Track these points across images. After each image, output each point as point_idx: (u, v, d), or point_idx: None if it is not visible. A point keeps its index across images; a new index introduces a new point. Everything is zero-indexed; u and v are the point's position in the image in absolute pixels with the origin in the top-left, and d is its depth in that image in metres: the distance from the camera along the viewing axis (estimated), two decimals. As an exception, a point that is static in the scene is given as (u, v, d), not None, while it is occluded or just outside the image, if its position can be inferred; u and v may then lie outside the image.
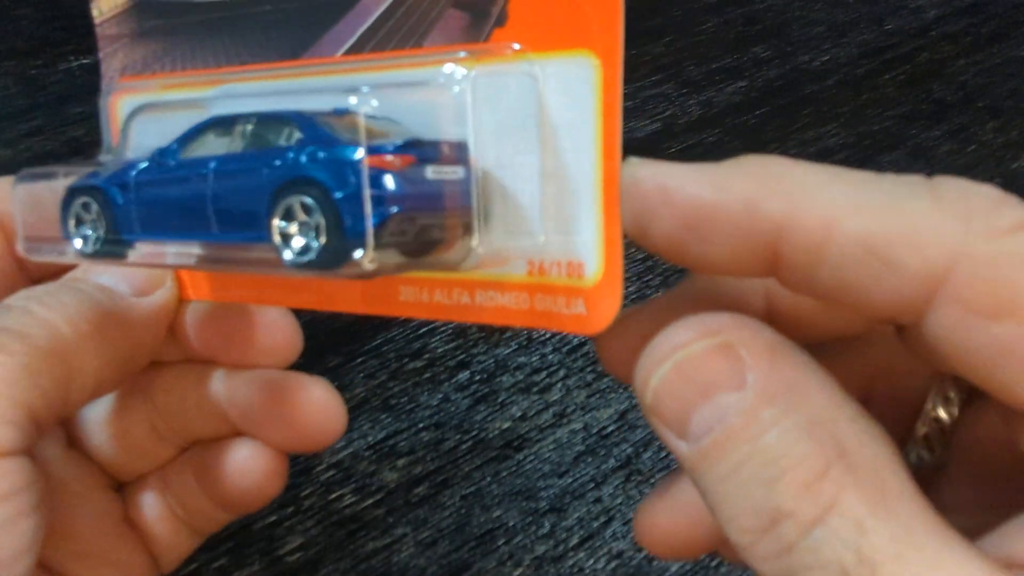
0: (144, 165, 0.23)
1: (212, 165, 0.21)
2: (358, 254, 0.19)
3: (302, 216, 0.19)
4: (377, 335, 0.42)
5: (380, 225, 0.19)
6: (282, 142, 0.20)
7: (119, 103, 0.26)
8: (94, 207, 0.23)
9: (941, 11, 0.63)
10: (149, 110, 0.25)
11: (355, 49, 0.22)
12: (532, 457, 0.38)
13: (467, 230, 0.20)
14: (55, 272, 0.25)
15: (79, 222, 0.23)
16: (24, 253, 0.24)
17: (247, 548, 0.34)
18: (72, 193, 0.23)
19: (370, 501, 0.36)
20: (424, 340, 0.42)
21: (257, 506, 0.27)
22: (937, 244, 0.16)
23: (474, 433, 0.39)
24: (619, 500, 0.37)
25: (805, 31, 0.60)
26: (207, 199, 0.21)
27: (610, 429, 0.39)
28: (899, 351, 0.19)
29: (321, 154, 0.19)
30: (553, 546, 0.35)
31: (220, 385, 0.26)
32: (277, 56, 0.23)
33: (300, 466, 0.37)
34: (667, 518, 0.24)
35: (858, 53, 0.59)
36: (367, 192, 0.18)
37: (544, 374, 0.41)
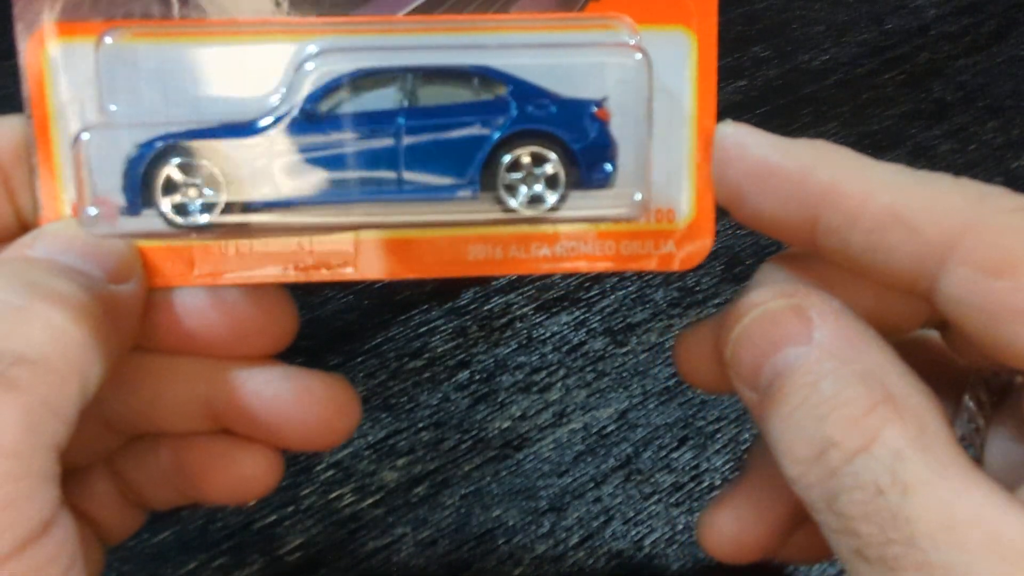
0: (277, 120, 0.20)
1: (401, 120, 0.20)
2: (638, 196, 0.21)
3: (528, 167, 0.20)
4: (377, 334, 0.42)
5: (612, 173, 0.21)
6: (476, 96, 0.20)
7: (52, 49, 0.21)
8: (206, 168, 0.20)
9: (941, 11, 0.63)
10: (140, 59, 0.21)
11: (424, 9, 0.22)
12: (532, 457, 0.38)
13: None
14: None
15: (168, 187, 0.20)
16: (86, 224, 0.21)
17: (247, 548, 0.34)
18: (165, 152, 0.20)
19: (370, 501, 0.36)
20: (424, 339, 0.42)
21: (246, 502, 0.26)
22: (952, 215, 0.19)
23: (474, 433, 0.39)
24: (619, 500, 0.37)
25: (805, 31, 0.60)
26: (398, 154, 0.20)
27: (610, 429, 0.39)
28: (933, 362, 0.22)
29: (553, 108, 0.20)
30: (553, 546, 0.35)
31: (210, 381, 0.24)
32: (321, 11, 0.22)
33: (300, 466, 0.37)
34: (731, 521, 0.26)
35: (858, 53, 0.59)
36: (608, 142, 0.21)
37: (544, 374, 0.41)
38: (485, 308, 0.43)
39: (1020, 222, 0.18)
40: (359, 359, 0.41)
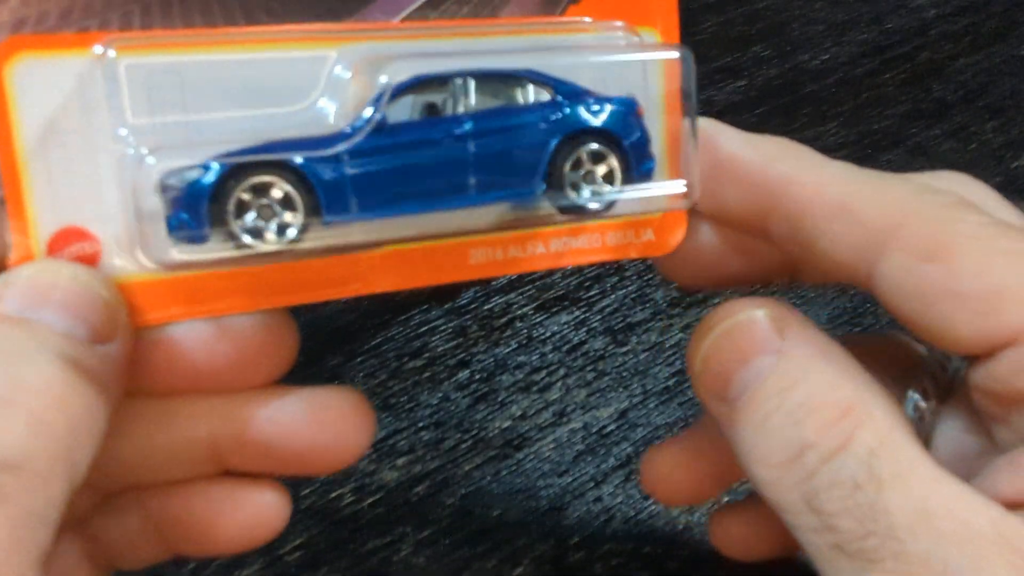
0: (350, 132, 0.19)
1: (468, 126, 0.20)
2: (683, 187, 0.22)
3: (588, 165, 0.21)
4: (377, 334, 0.42)
5: (654, 166, 0.22)
6: (526, 98, 0.21)
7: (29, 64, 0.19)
8: (282, 190, 0.19)
9: (941, 10, 0.63)
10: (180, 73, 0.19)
11: (418, 14, 0.23)
12: (532, 456, 0.38)
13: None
14: None
15: (240, 210, 0.18)
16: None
17: (247, 547, 0.34)
18: (235, 172, 0.18)
19: (370, 501, 0.36)
20: (424, 339, 0.42)
21: (252, 548, 0.23)
22: (893, 206, 0.20)
23: (474, 432, 0.39)
24: (619, 499, 0.37)
25: (805, 30, 0.60)
26: (467, 161, 0.20)
27: (610, 428, 0.39)
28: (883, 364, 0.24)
29: (604, 106, 0.21)
30: (553, 546, 0.35)
31: (214, 419, 0.22)
32: (312, 16, 0.21)
33: (300, 465, 0.37)
34: (673, 465, 0.28)
35: (858, 52, 0.59)
36: (648, 137, 0.22)
37: (544, 373, 0.41)
38: (485, 308, 0.43)
39: (954, 213, 0.20)
40: (359, 359, 0.41)
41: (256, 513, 0.23)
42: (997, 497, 0.19)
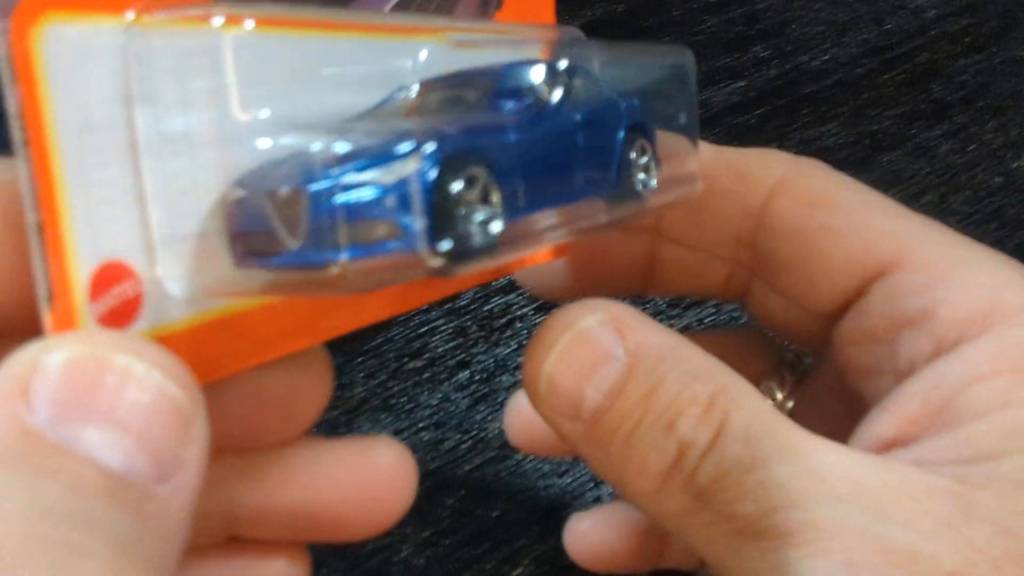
0: (514, 118, 0.17)
1: (578, 116, 0.19)
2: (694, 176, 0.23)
3: (638, 157, 0.21)
4: (377, 335, 0.42)
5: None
6: (595, 91, 0.21)
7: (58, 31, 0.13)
8: (483, 180, 0.15)
9: (941, 11, 0.63)
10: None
11: (400, 6, 0.23)
12: (531, 457, 0.38)
13: None
14: None
15: (454, 204, 0.15)
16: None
17: (247, 548, 0.34)
18: (453, 162, 0.14)
19: (370, 501, 0.36)
20: (424, 340, 0.42)
21: None
22: (776, 164, 0.23)
23: (474, 433, 0.39)
24: (619, 499, 0.37)
25: (805, 31, 0.60)
26: (578, 154, 0.19)
27: (610, 429, 0.39)
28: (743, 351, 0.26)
29: (636, 102, 0.21)
30: (553, 546, 0.35)
31: (235, 485, 0.18)
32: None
33: (300, 466, 0.37)
34: (598, 530, 0.28)
35: (858, 53, 0.59)
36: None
37: (544, 374, 0.41)
38: (485, 308, 0.43)
39: (830, 174, 0.23)
40: (359, 359, 0.41)
41: None
42: (881, 443, 0.19)
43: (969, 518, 0.17)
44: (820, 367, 0.26)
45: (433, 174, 0.14)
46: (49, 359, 0.12)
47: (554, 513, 0.36)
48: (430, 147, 0.14)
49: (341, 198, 0.13)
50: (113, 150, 0.14)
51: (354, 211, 0.13)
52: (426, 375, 0.41)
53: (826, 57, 0.59)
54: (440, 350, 0.42)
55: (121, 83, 0.14)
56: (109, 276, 0.14)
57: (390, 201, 0.14)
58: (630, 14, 0.60)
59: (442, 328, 0.42)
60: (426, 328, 0.42)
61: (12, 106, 0.13)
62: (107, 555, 0.11)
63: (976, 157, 0.53)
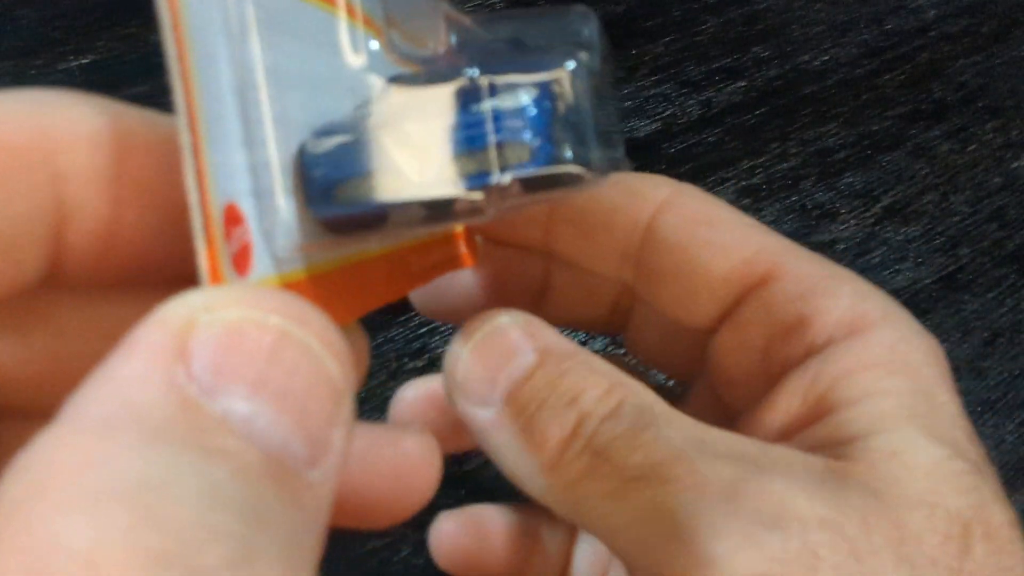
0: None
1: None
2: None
3: None
4: (377, 335, 0.42)
5: None
6: None
7: None
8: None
9: (941, 11, 0.63)
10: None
11: None
12: (532, 457, 0.38)
13: None
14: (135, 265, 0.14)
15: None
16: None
17: (247, 548, 0.34)
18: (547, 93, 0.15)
19: (370, 501, 0.36)
20: (424, 340, 0.42)
21: None
22: (665, 186, 0.24)
23: (474, 433, 0.39)
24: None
25: (805, 31, 0.61)
26: None
27: (610, 429, 0.39)
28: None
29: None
30: (553, 546, 0.35)
31: None
32: None
33: (300, 466, 0.37)
34: (464, 531, 0.29)
35: (858, 53, 0.59)
36: None
37: (544, 374, 0.41)
38: (485, 308, 0.43)
39: (710, 197, 0.24)
40: (359, 359, 0.41)
41: None
42: (767, 439, 0.21)
43: (843, 482, 0.19)
44: (689, 393, 0.28)
45: (546, 102, 0.14)
46: (210, 319, 0.11)
47: (554, 513, 0.36)
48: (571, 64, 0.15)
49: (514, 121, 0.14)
50: (226, 87, 0.13)
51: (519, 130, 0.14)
52: (426, 375, 0.41)
53: (826, 57, 0.59)
54: (440, 350, 0.42)
55: (237, 18, 0.13)
56: (231, 217, 0.13)
57: (531, 126, 0.14)
58: (630, 14, 0.60)
59: (442, 328, 0.42)
60: (426, 328, 0.42)
61: (162, 17, 0.12)
62: (276, 555, 0.10)
63: (976, 157, 0.53)
